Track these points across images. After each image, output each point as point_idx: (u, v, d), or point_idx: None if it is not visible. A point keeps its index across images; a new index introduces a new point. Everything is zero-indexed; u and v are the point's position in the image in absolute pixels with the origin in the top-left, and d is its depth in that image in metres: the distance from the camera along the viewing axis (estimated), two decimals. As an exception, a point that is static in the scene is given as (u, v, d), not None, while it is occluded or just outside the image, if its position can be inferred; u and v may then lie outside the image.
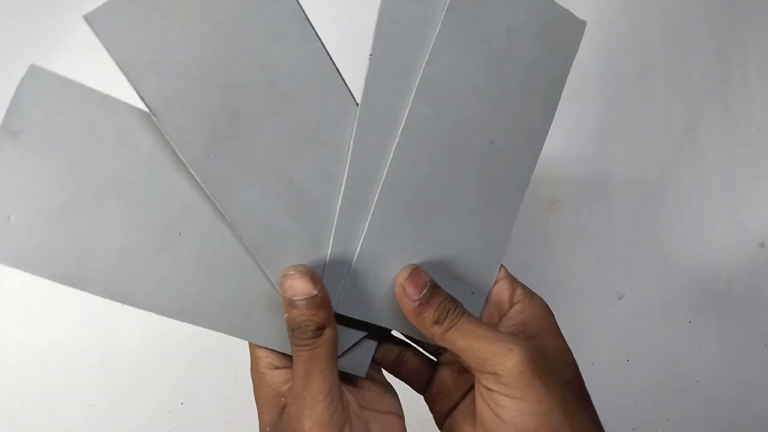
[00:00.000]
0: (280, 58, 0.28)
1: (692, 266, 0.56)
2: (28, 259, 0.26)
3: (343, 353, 0.31)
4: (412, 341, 0.34)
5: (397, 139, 0.30)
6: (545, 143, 0.34)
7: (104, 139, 0.27)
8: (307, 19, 0.29)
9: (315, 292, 0.27)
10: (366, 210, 0.30)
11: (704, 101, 0.58)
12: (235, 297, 0.29)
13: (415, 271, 0.29)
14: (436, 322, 0.28)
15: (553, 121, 0.33)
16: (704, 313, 0.55)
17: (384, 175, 0.30)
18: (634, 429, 0.53)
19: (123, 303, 0.27)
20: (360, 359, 0.31)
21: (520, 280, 0.33)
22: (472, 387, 0.32)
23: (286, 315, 0.28)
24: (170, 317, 0.28)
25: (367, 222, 0.30)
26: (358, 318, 0.30)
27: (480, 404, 0.28)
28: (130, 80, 0.26)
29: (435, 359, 0.35)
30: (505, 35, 0.31)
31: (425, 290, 0.29)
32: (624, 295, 0.54)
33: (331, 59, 0.29)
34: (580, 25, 0.33)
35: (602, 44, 0.56)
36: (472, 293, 0.32)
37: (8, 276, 0.48)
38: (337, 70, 0.29)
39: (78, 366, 0.46)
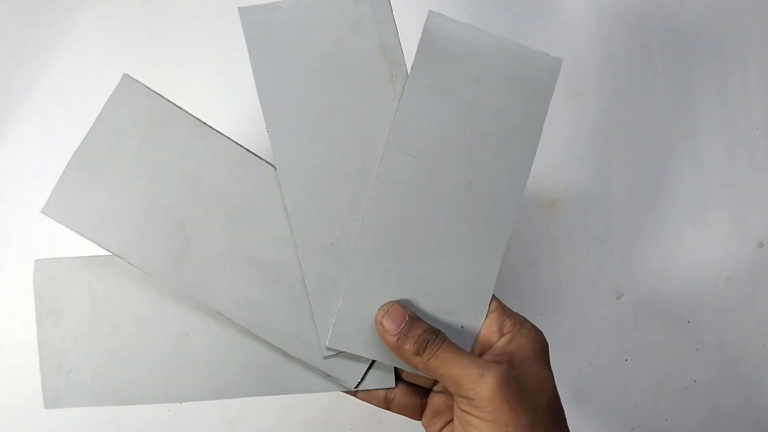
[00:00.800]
0: (196, 165, 0.32)
1: (691, 266, 0.56)
2: (92, 398, 0.34)
3: (364, 377, 0.33)
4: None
5: (373, 185, 0.32)
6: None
7: (97, 295, 0.34)
8: (205, 124, 0.32)
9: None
10: (327, 255, 0.32)
11: (704, 101, 0.58)
12: (263, 362, 0.34)
13: (393, 307, 0.31)
14: (416, 353, 0.30)
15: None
16: (703, 313, 0.55)
17: (363, 220, 0.32)
18: (632, 429, 0.54)
19: (180, 402, 0.34)
20: (383, 375, 0.34)
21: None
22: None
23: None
24: (210, 399, 0.34)
25: (351, 263, 0.32)
26: (348, 351, 0.32)
27: (456, 425, 0.30)
28: (92, 241, 0.31)
29: (427, 387, 0.36)
30: (475, 84, 0.33)
31: (404, 324, 0.30)
32: (623, 295, 0.55)
33: (240, 145, 0.33)
34: (555, 63, 0.33)
35: (602, 44, 0.56)
36: (462, 327, 0.33)
37: (7, 275, 0.48)
38: (248, 150, 0.33)
39: (78, 365, 0.46)
